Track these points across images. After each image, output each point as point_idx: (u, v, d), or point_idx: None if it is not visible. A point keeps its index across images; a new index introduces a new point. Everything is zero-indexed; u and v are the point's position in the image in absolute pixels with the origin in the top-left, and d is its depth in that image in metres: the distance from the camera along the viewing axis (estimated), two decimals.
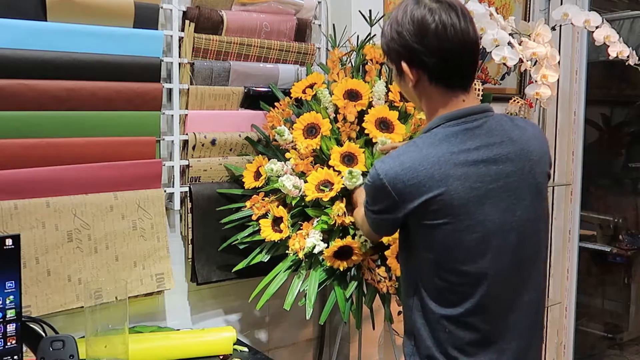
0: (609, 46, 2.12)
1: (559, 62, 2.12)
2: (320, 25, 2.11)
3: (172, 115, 1.82)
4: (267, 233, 1.74)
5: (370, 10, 1.97)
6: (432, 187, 1.16)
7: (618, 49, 2.12)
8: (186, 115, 1.84)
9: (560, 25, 2.28)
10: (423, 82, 1.23)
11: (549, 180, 1.33)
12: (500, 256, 1.22)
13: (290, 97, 1.88)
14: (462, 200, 1.17)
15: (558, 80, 2.22)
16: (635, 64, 2.18)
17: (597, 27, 2.13)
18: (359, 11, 1.98)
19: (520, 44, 2.04)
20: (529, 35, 2.10)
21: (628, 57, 2.15)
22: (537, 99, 2.10)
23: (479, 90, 2.05)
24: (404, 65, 1.22)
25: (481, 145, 1.20)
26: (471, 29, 1.21)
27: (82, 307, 1.48)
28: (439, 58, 1.19)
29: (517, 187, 1.22)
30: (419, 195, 1.17)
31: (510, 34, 2.01)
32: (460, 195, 1.17)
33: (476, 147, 1.20)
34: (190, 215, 1.85)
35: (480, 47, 1.25)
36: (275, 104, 1.91)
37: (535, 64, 2.08)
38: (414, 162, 1.18)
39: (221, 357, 1.64)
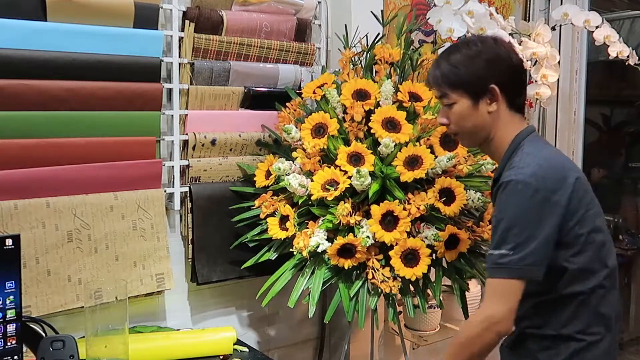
0: (609, 46, 2.12)
1: (559, 62, 2.12)
2: (320, 25, 2.11)
3: (172, 115, 1.82)
4: (274, 231, 1.75)
5: (382, 11, 1.97)
6: (572, 175, 1.31)
7: (618, 49, 2.12)
8: (186, 115, 1.84)
9: (560, 25, 2.28)
10: (502, 106, 1.38)
11: None
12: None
13: (302, 97, 1.89)
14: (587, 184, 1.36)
15: (558, 80, 2.22)
16: (635, 64, 2.17)
17: (597, 27, 2.13)
18: (371, 12, 1.98)
19: (520, 44, 2.04)
20: (529, 35, 2.10)
21: (628, 57, 2.15)
22: (537, 99, 2.10)
23: None
24: (496, 88, 1.35)
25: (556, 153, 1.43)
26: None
27: (82, 307, 1.48)
28: (519, 85, 1.41)
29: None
30: (567, 186, 1.30)
31: (510, 34, 2.01)
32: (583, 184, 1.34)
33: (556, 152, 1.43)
34: (190, 215, 1.85)
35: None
36: (287, 104, 1.92)
37: (535, 64, 2.08)
38: (548, 160, 1.31)
39: (221, 357, 1.64)
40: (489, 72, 1.37)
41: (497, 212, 1.31)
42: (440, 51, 2.06)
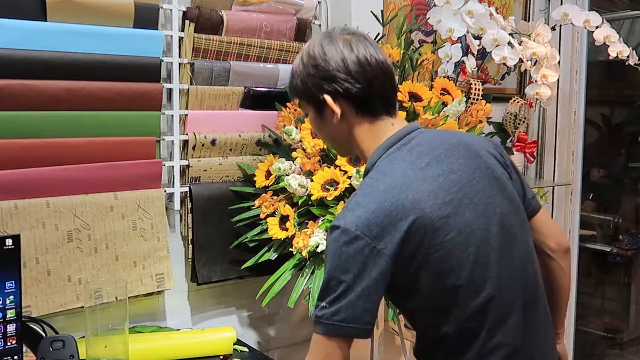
0: (609, 46, 2.12)
1: (559, 62, 2.12)
2: (320, 25, 2.11)
3: (172, 115, 1.82)
4: (274, 231, 1.75)
5: (381, 11, 1.97)
6: (407, 216, 1.10)
7: (618, 49, 2.12)
8: (186, 115, 1.84)
9: (560, 25, 2.28)
10: (349, 114, 1.20)
11: (511, 163, 1.29)
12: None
13: None
14: (439, 219, 1.12)
15: (558, 80, 2.22)
16: (635, 64, 2.17)
17: (597, 27, 2.13)
18: (371, 12, 1.98)
19: (520, 44, 2.04)
20: (529, 35, 2.10)
21: (628, 57, 2.15)
22: (537, 99, 2.10)
23: (478, 90, 2.05)
24: (328, 98, 1.18)
25: (431, 160, 1.17)
26: (385, 58, 1.22)
27: (82, 307, 1.48)
28: (364, 85, 1.17)
29: (484, 187, 1.19)
30: (398, 231, 1.09)
31: (510, 34, 2.01)
32: (437, 214, 1.12)
33: (427, 163, 1.16)
34: (190, 215, 1.85)
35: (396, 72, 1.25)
36: (287, 104, 1.92)
37: (535, 64, 2.08)
38: (379, 201, 1.11)
39: (221, 357, 1.64)
40: (315, 80, 1.19)
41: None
42: (440, 51, 2.06)
